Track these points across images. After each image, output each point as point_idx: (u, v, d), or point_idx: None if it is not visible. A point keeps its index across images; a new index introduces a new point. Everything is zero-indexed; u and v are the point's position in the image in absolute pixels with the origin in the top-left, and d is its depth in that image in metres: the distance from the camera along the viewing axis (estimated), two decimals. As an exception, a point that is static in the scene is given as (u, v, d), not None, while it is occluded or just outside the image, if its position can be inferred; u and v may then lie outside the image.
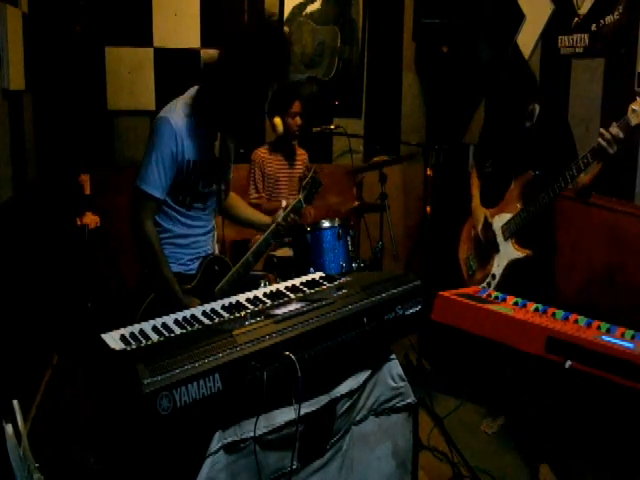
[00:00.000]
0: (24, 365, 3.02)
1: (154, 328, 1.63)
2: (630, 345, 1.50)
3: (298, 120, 3.62)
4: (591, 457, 2.62)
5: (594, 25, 3.15)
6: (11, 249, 2.87)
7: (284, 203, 2.57)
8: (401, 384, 1.87)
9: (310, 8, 4.25)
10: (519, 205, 2.81)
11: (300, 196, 2.53)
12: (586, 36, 3.22)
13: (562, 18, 3.41)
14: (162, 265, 2.19)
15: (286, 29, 4.20)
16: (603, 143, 2.34)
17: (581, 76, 3.31)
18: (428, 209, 3.47)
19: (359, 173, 3.88)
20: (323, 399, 1.63)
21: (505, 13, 3.90)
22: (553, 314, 1.76)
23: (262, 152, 3.71)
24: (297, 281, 1.98)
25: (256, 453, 1.48)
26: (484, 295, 1.93)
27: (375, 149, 4.23)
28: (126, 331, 1.60)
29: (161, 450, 1.35)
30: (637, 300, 2.78)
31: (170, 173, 2.16)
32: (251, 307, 1.75)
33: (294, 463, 1.55)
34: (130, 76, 3.97)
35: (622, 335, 1.60)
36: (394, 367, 1.86)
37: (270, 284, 2.41)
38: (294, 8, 4.21)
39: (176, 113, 2.17)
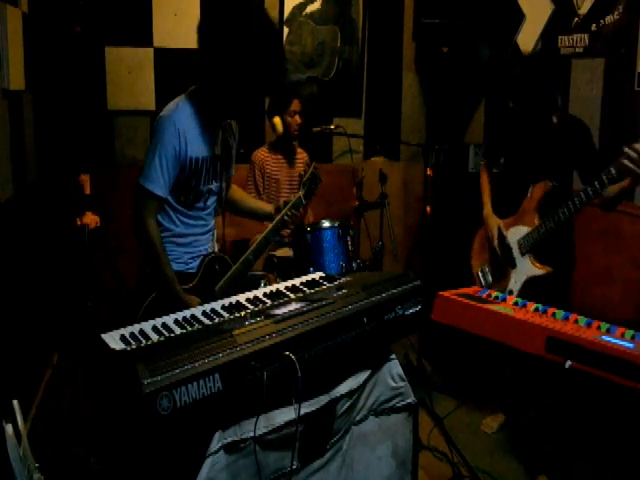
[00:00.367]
0: (24, 365, 3.02)
1: (154, 328, 1.63)
2: (630, 345, 1.50)
3: (298, 119, 3.62)
4: (591, 457, 2.62)
5: (594, 25, 3.16)
6: (11, 249, 2.87)
7: (282, 202, 2.57)
8: (401, 384, 1.87)
9: (310, 8, 4.25)
10: (536, 219, 2.68)
11: (300, 193, 2.52)
12: (586, 36, 3.22)
13: (562, 18, 3.41)
14: (163, 264, 2.20)
15: (286, 29, 4.21)
16: (630, 165, 2.19)
17: (581, 76, 3.31)
18: (428, 209, 3.47)
19: (359, 172, 3.88)
20: (323, 399, 1.62)
21: (505, 13, 3.90)
22: (553, 314, 1.76)
23: (262, 153, 3.70)
24: (297, 281, 1.98)
25: (256, 453, 1.48)
26: (484, 295, 1.93)
27: (375, 149, 4.23)
28: (126, 331, 1.60)
29: (161, 450, 1.35)
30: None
31: (173, 172, 2.17)
32: (251, 307, 1.75)
33: (294, 463, 1.55)
34: (130, 76, 3.97)
35: (622, 335, 1.60)
36: (394, 367, 1.86)
37: (270, 284, 2.41)
38: (294, 8, 4.21)
39: (178, 111, 2.18)
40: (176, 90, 2.28)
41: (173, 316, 1.71)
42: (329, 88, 4.40)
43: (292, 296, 1.80)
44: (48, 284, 3.58)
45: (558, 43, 3.44)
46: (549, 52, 3.48)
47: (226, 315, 1.69)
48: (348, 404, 1.71)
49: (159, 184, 2.15)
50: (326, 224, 3.21)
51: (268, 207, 2.61)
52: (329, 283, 1.89)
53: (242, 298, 1.86)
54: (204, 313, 1.74)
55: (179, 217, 2.29)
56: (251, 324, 1.53)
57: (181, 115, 2.17)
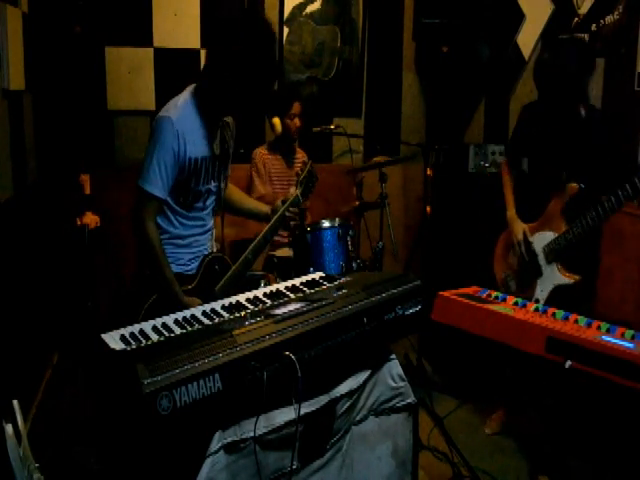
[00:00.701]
0: (24, 365, 3.02)
1: (154, 328, 1.63)
2: (630, 345, 1.50)
3: (297, 122, 3.62)
4: (591, 457, 2.62)
5: (594, 25, 3.16)
6: (11, 249, 2.87)
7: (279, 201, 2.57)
8: (401, 384, 1.87)
9: (310, 8, 4.25)
10: (563, 224, 2.56)
11: (297, 191, 2.52)
12: (586, 36, 3.22)
13: (562, 18, 3.41)
14: (163, 266, 2.19)
15: (286, 29, 4.21)
16: None
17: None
18: (428, 209, 3.47)
19: (359, 172, 3.88)
20: (323, 399, 1.62)
21: (505, 13, 3.90)
22: (553, 314, 1.76)
23: (262, 151, 3.71)
24: (297, 281, 1.98)
25: (256, 453, 1.48)
26: (484, 295, 1.93)
27: (375, 149, 4.23)
28: (126, 331, 1.60)
29: (161, 450, 1.35)
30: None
31: (172, 172, 2.16)
32: (251, 307, 1.75)
33: (294, 463, 1.55)
34: (130, 76, 3.97)
35: (622, 335, 1.60)
36: (394, 367, 1.86)
37: (270, 284, 2.41)
38: (294, 8, 4.21)
39: (176, 111, 2.17)
40: (176, 90, 2.28)
41: (173, 316, 1.71)
42: (329, 88, 4.40)
43: (292, 296, 1.80)
44: (48, 284, 3.58)
45: (558, 43, 3.44)
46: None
47: (226, 315, 1.69)
48: (348, 404, 1.71)
49: (158, 185, 2.15)
50: (326, 224, 3.21)
51: (265, 208, 2.60)
52: (329, 283, 1.90)
53: (242, 298, 1.86)
54: (204, 313, 1.74)
55: (178, 218, 2.28)
56: (251, 324, 1.53)
57: (180, 115, 2.16)
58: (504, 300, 1.89)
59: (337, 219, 3.26)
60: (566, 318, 1.73)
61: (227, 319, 1.63)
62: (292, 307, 1.64)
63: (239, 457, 1.47)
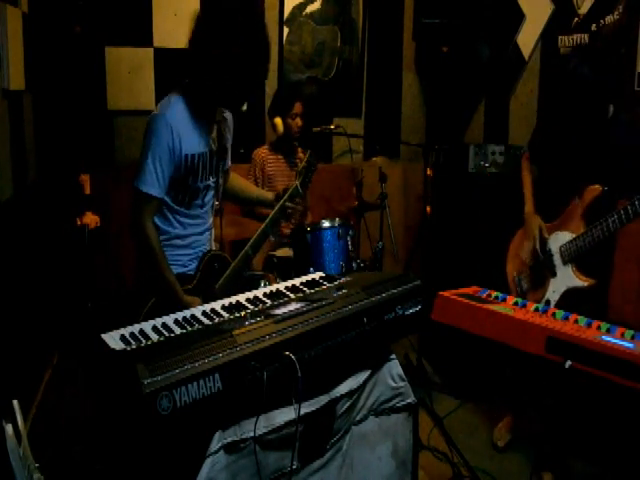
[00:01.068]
0: (24, 365, 3.02)
1: (154, 328, 1.63)
2: (630, 345, 1.50)
3: (299, 121, 3.62)
4: (591, 457, 2.62)
5: (594, 25, 3.16)
6: (11, 249, 2.87)
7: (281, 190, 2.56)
8: (401, 384, 1.87)
9: (310, 8, 4.25)
10: (582, 225, 2.51)
11: (297, 182, 2.50)
12: (586, 36, 3.22)
13: (562, 18, 3.41)
14: (163, 267, 2.18)
15: (286, 29, 4.21)
16: None
17: (581, 76, 3.31)
18: (428, 209, 3.47)
19: (359, 171, 3.88)
20: (323, 399, 1.62)
21: (505, 13, 3.90)
22: (553, 314, 1.76)
23: (263, 151, 3.71)
24: (297, 281, 1.98)
25: (256, 453, 1.48)
26: (484, 295, 1.93)
27: (375, 149, 4.23)
28: (126, 331, 1.60)
29: (161, 450, 1.35)
30: None
31: (168, 171, 2.14)
32: (251, 307, 1.74)
33: (294, 463, 1.55)
34: (130, 76, 3.97)
35: (622, 335, 1.60)
36: (394, 367, 1.86)
37: (270, 284, 2.41)
38: (294, 8, 4.21)
39: (169, 108, 2.15)
40: (173, 90, 2.27)
41: (173, 316, 1.71)
42: (329, 88, 4.40)
43: (292, 296, 1.80)
44: (48, 284, 3.58)
45: (558, 43, 3.44)
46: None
47: (226, 315, 1.69)
48: (348, 404, 1.71)
49: (154, 185, 2.13)
50: (326, 224, 3.20)
51: (269, 195, 2.59)
52: (329, 283, 1.89)
53: (242, 298, 1.85)
54: (204, 313, 1.74)
55: (177, 218, 2.27)
56: (251, 324, 1.53)
57: (173, 112, 2.14)
58: (504, 300, 1.89)
59: (337, 219, 3.26)
60: (566, 318, 1.73)
61: (227, 319, 1.63)
62: (292, 307, 1.64)
63: (239, 457, 1.47)
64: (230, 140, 2.46)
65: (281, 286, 1.93)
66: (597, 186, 2.46)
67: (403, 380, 1.87)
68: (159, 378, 1.27)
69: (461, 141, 4.47)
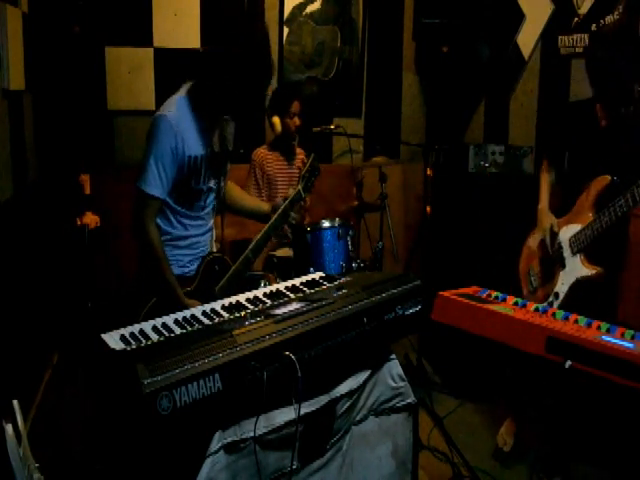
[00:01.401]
0: (24, 365, 3.02)
1: (154, 328, 1.63)
2: (630, 345, 1.50)
3: (297, 120, 3.62)
4: (591, 457, 2.62)
5: (594, 25, 3.16)
6: (11, 249, 2.87)
7: (279, 199, 2.56)
8: (401, 384, 1.87)
9: (310, 8, 4.25)
10: (592, 216, 2.46)
11: (299, 186, 2.51)
12: (586, 36, 3.22)
13: (562, 18, 3.41)
14: (165, 268, 2.18)
15: (286, 29, 4.21)
16: None
17: (581, 76, 3.31)
18: (428, 209, 3.47)
19: (360, 172, 3.89)
20: (323, 399, 1.62)
21: (505, 13, 3.90)
22: (553, 314, 1.76)
23: (262, 151, 3.71)
24: (297, 281, 1.98)
25: (256, 453, 1.48)
26: (484, 295, 1.93)
27: (375, 149, 4.23)
28: (126, 331, 1.60)
29: (161, 450, 1.35)
30: None
31: (171, 171, 2.15)
32: (251, 307, 1.75)
33: (294, 463, 1.55)
34: (130, 76, 3.97)
35: (622, 335, 1.60)
36: (394, 367, 1.86)
37: (270, 284, 2.41)
38: (294, 8, 4.21)
39: (173, 109, 2.16)
40: (176, 90, 2.28)
41: (173, 316, 1.71)
42: (329, 88, 4.40)
43: (292, 296, 1.80)
44: (48, 284, 3.58)
45: (558, 43, 3.44)
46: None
47: (226, 315, 1.69)
48: (348, 404, 1.71)
49: (157, 186, 2.14)
50: (326, 224, 3.21)
51: (265, 206, 2.59)
52: (329, 283, 1.90)
53: (242, 298, 1.85)
54: (204, 313, 1.74)
55: (178, 218, 2.27)
56: (251, 324, 1.53)
57: (177, 113, 2.15)
58: (504, 300, 1.89)
59: (337, 219, 3.26)
60: (566, 318, 1.73)
61: (227, 319, 1.63)
62: (292, 307, 1.64)
63: (239, 457, 1.47)
64: (232, 143, 2.46)
65: (281, 286, 1.93)
66: (606, 176, 2.42)
67: (403, 380, 1.87)
68: (159, 378, 1.27)
69: (461, 141, 4.47)
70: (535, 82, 3.72)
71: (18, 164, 3.13)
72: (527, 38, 3.73)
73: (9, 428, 1.37)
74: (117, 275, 3.79)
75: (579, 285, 2.51)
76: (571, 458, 2.65)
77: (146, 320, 1.68)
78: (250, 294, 1.88)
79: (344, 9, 4.34)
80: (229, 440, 1.44)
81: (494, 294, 1.92)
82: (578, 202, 2.56)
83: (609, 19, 3.05)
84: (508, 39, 3.88)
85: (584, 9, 3.23)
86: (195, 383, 1.31)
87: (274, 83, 4.14)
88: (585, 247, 2.49)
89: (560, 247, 2.62)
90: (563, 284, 2.58)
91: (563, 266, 2.60)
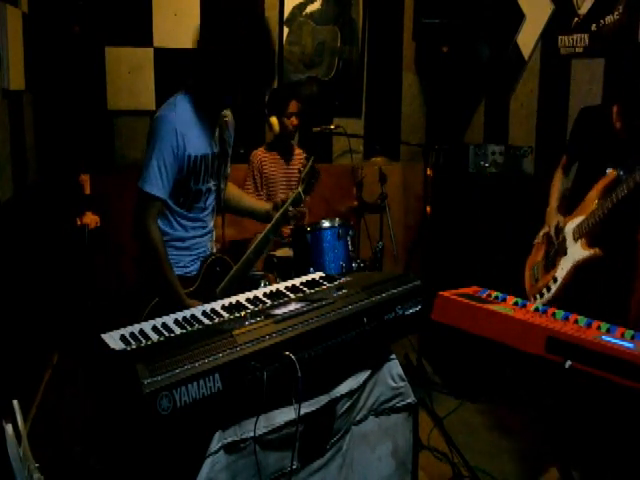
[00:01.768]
0: (24, 365, 3.02)
1: (154, 328, 1.63)
2: (630, 345, 1.50)
3: (294, 120, 3.63)
4: (591, 457, 2.62)
5: (594, 25, 3.16)
6: (11, 249, 2.87)
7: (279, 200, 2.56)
8: (401, 384, 1.87)
9: (310, 8, 4.25)
10: (595, 205, 2.49)
11: (299, 188, 2.51)
12: (586, 36, 3.22)
13: (562, 18, 3.41)
14: (166, 268, 2.18)
15: (286, 29, 4.21)
16: None
17: (581, 76, 3.31)
18: (428, 209, 3.47)
19: (360, 172, 3.88)
20: (323, 399, 1.62)
21: (505, 13, 3.90)
22: (553, 314, 1.76)
23: (259, 152, 3.72)
24: (297, 281, 1.98)
25: (256, 453, 1.48)
26: (484, 295, 1.93)
27: (375, 149, 4.23)
28: (126, 331, 1.60)
29: (161, 450, 1.35)
30: None
31: (172, 171, 2.15)
32: (251, 307, 1.74)
33: (294, 463, 1.55)
34: (130, 76, 3.97)
35: (622, 335, 1.60)
36: (394, 367, 1.86)
37: (270, 284, 2.41)
38: (294, 8, 4.21)
39: (174, 109, 2.16)
40: (176, 90, 2.28)
41: (173, 316, 1.71)
42: (329, 88, 4.40)
43: (292, 296, 1.80)
44: (48, 284, 3.58)
45: (558, 43, 3.44)
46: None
47: (226, 315, 1.69)
48: (348, 404, 1.71)
49: (159, 186, 2.14)
50: (326, 224, 3.21)
51: (266, 206, 2.59)
52: (329, 283, 1.89)
53: (242, 298, 1.85)
54: (204, 313, 1.74)
55: (178, 220, 2.28)
56: (251, 324, 1.53)
57: (178, 113, 2.15)
58: (504, 300, 1.89)
59: (337, 219, 3.26)
60: (566, 318, 1.73)
61: (227, 319, 1.63)
62: (292, 307, 1.64)
63: (239, 457, 1.47)
64: (231, 144, 2.46)
65: (281, 286, 1.93)
66: (613, 171, 2.44)
67: (403, 380, 1.87)
68: (159, 378, 1.27)
69: (461, 141, 4.47)
70: (535, 82, 3.72)
71: (18, 164, 3.13)
72: (527, 38, 3.73)
73: (9, 428, 1.37)
74: (117, 275, 3.79)
75: (579, 270, 2.52)
76: (571, 457, 2.65)
77: (148, 319, 1.68)
78: (250, 294, 1.88)
79: (344, 9, 4.34)
80: (229, 440, 1.44)
81: (494, 294, 1.93)
82: (585, 198, 2.57)
83: (609, 19, 3.05)
84: (508, 39, 3.88)
85: (584, 9, 3.24)
86: (195, 383, 1.31)
87: (274, 83, 4.14)
88: (586, 233, 2.50)
89: (564, 239, 2.64)
90: (562, 269, 2.59)
91: (565, 254, 2.61)
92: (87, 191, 3.59)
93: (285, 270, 3.29)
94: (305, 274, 2.07)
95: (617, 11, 2.99)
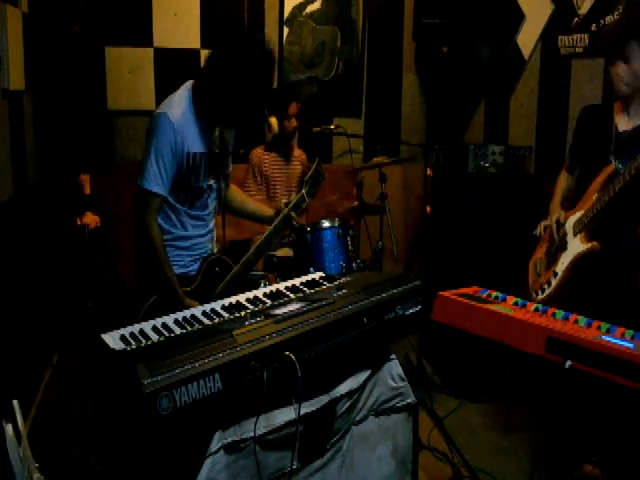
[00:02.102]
0: (24, 365, 3.02)
1: (154, 328, 1.63)
2: (630, 345, 1.50)
3: (294, 122, 3.64)
4: (591, 457, 2.62)
5: (594, 25, 3.16)
6: (11, 249, 2.87)
7: (282, 202, 2.57)
8: (401, 384, 1.87)
9: (310, 8, 4.25)
10: (594, 199, 2.48)
11: (303, 190, 2.51)
12: (586, 36, 3.22)
13: (562, 18, 3.41)
14: (165, 267, 2.19)
15: (286, 29, 4.21)
16: None
17: (581, 76, 3.31)
18: (428, 209, 3.47)
19: (359, 172, 3.88)
20: (323, 399, 1.62)
21: (505, 13, 3.90)
22: (553, 314, 1.76)
23: (259, 152, 3.72)
24: (297, 281, 1.98)
25: (256, 453, 1.48)
26: (484, 295, 1.93)
27: (375, 149, 4.23)
28: (126, 331, 1.60)
29: (161, 450, 1.35)
30: None
31: (171, 168, 2.16)
32: (251, 307, 1.74)
33: (294, 463, 1.55)
34: (130, 76, 3.98)
35: (622, 335, 1.60)
36: (394, 367, 1.86)
37: (270, 284, 2.41)
38: (294, 8, 4.21)
39: (173, 106, 2.17)
40: (176, 90, 2.28)
41: (173, 316, 1.71)
42: (329, 88, 4.40)
43: (292, 296, 1.80)
44: (48, 284, 3.58)
45: (558, 43, 3.44)
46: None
47: (226, 315, 1.69)
48: (348, 404, 1.71)
49: (158, 182, 2.15)
50: (326, 224, 3.20)
51: (269, 210, 2.59)
52: (329, 283, 1.89)
53: (242, 298, 1.85)
54: (204, 313, 1.74)
55: (179, 218, 2.28)
56: (251, 324, 1.53)
57: (177, 110, 2.16)
58: (504, 300, 1.89)
59: (337, 219, 3.26)
60: (566, 318, 1.73)
61: (227, 319, 1.63)
62: (292, 307, 1.64)
63: (239, 457, 1.47)
64: (232, 143, 2.46)
65: (281, 286, 1.93)
66: (611, 165, 2.44)
67: (403, 380, 1.87)
68: (159, 378, 1.27)
69: (461, 141, 4.47)
70: (535, 82, 3.72)
71: (18, 164, 3.13)
72: (527, 38, 3.74)
73: (9, 428, 1.37)
74: (117, 275, 3.79)
75: (578, 264, 2.52)
76: (571, 458, 2.65)
77: (146, 318, 1.68)
78: (250, 294, 1.88)
79: (344, 9, 4.34)
80: (229, 440, 1.44)
81: (494, 294, 1.92)
82: (585, 194, 2.57)
83: (609, 19, 3.05)
84: (508, 39, 3.88)
85: (584, 9, 3.24)
86: (195, 383, 1.31)
87: (274, 84, 4.14)
88: (585, 227, 2.51)
89: (565, 234, 2.64)
90: (562, 263, 2.59)
91: (565, 249, 2.61)
92: (87, 191, 3.59)
93: (285, 270, 3.29)
94: (305, 274, 2.07)
95: (617, 11, 2.99)
